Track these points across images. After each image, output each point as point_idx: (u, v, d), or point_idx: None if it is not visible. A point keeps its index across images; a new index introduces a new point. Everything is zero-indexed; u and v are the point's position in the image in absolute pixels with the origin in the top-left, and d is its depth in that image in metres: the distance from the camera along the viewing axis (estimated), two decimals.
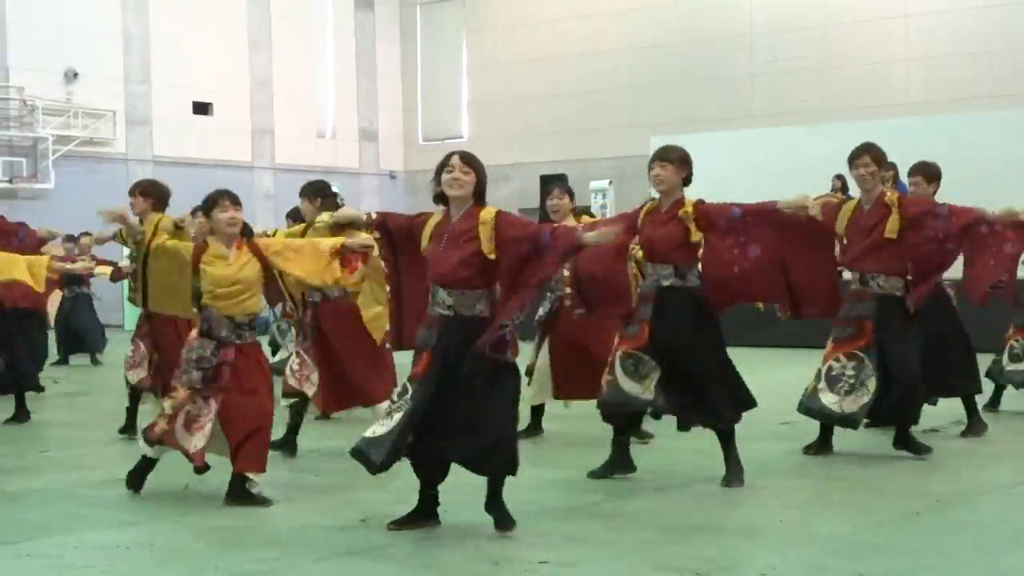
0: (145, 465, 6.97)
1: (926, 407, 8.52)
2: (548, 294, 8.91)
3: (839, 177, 18.79)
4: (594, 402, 7.50)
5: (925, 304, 8.01)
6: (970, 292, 7.94)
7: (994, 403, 10.23)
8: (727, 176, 20.40)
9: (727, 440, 7.10)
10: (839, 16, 24.99)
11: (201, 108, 27.53)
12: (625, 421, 7.30)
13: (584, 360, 8.63)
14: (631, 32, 27.58)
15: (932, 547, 5.67)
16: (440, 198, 5.94)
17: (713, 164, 21.71)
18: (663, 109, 26.30)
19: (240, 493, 6.66)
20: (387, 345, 8.08)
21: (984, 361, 9.63)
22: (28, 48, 24.17)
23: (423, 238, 5.94)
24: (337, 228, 7.65)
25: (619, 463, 7.26)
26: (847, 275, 8.11)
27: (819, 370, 7.84)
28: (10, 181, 23.64)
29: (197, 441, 6.65)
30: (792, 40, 25.41)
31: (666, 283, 7.04)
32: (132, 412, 9.33)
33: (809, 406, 7.88)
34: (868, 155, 8.03)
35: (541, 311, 9.02)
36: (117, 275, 10.93)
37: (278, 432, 7.57)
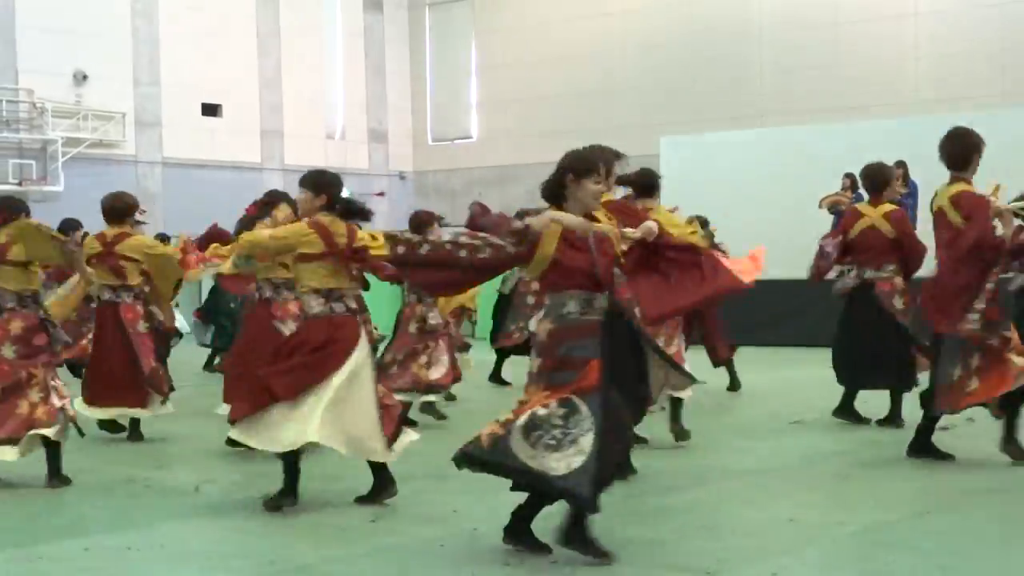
0: None
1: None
2: None
3: (848, 175, 18.77)
4: None
5: (861, 300, 8.96)
6: None
7: None
8: (737, 176, 20.40)
9: None
10: (849, 14, 24.94)
11: (210, 110, 27.55)
12: None
13: None
14: (640, 32, 27.55)
15: (943, 546, 5.65)
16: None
17: (722, 164, 21.75)
18: (672, 109, 26.27)
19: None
20: None
21: None
22: (38, 51, 24.22)
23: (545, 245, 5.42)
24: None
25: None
26: None
27: None
28: (20, 183, 23.67)
29: None
30: (801, 39, 25.36)
31: None
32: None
33: None
34: None
35: None
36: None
37: None
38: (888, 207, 9.58)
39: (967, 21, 23.70)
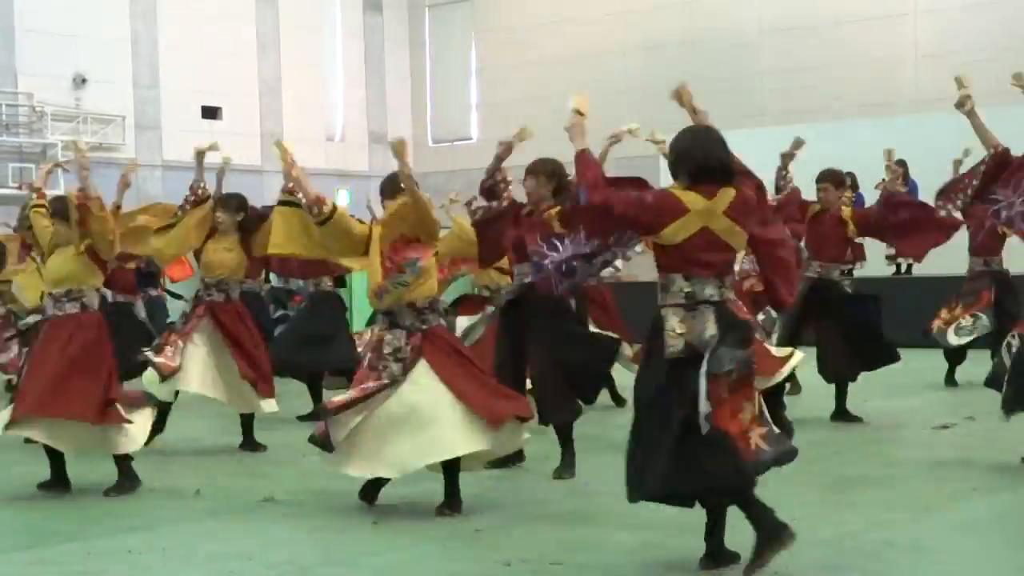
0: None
1: (937, 405, 8.53)
2: None
3: (848, 175, 18.78)
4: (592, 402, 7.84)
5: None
6: None
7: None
8: None
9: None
10: (848, 14, 24.93)
11: (210, 112, 27.54)
12: None
13: None
14: (639, 33, 27.55)
15: (942, 545, 5.65)
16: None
17: None
18: (672, 109, 25.93)
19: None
20: None
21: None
22: (37, 54, 24.20)
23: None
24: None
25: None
26: None
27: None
28: (20, 187, 23.66)
29: None
30: (801, 39, 25.35)
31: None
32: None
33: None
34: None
35: None
36: None
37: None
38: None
39: (966, 20, 23.69)
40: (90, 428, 7.04)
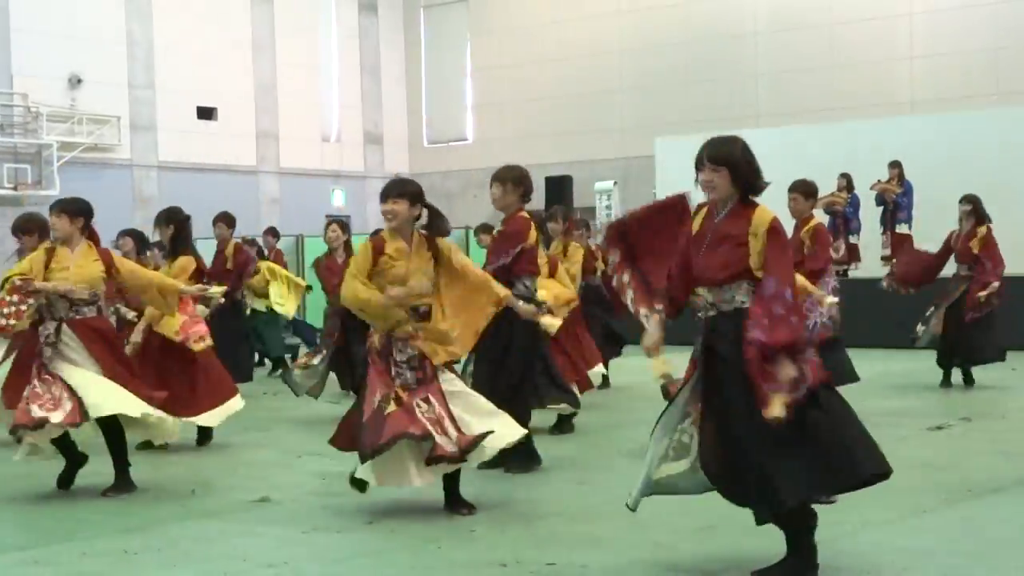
0: None
1: (933, 405, 8.52)
2: None
3: (844, 176, 18.81)
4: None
5: None
6: None
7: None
8: None
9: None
10: (844, 15, 24.96)
11: (205, 113, 27.53)
12: None
13: None
14: (635, 33, 27.56)
15: (941, 545, 5.66)
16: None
17: None
18: (668, 110, 26.29)
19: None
20: None
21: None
22: (32, 54, 24.19)
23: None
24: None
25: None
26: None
27: None
28: (15, 188, 23.65)
29: None
30: (797, 39, 25.38)
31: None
32: None
33: None
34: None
35: None
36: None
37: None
38: None
39: (961, 21, 23.73)
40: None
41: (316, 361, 10.70)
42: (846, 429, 5.05)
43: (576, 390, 9.17)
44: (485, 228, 13.69)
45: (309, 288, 14.07)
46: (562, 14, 28.66)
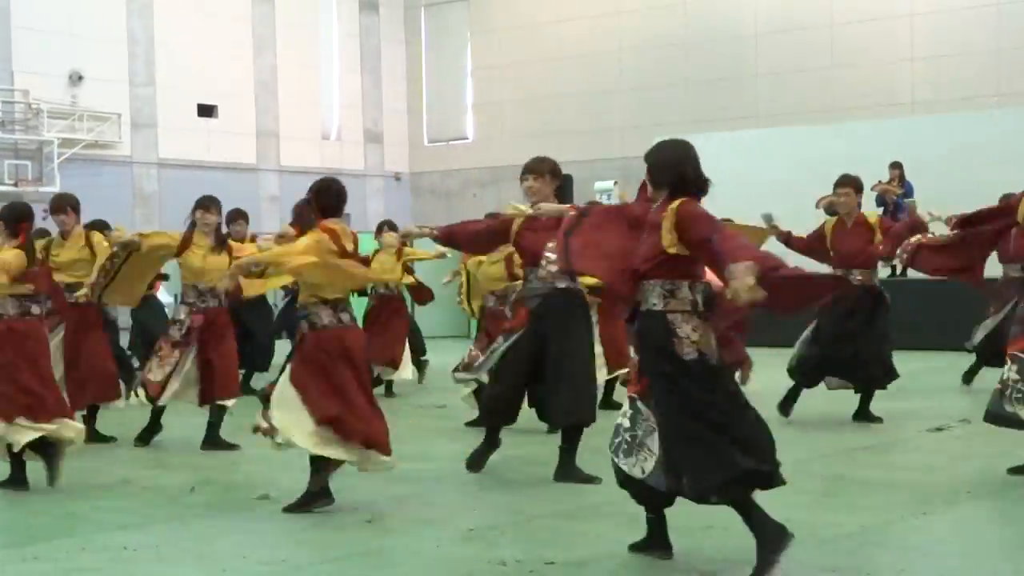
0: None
1: (933, 407, 8.52)
2: None
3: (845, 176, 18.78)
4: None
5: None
6: None
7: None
8: (733, 177, 20.37)
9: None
10: (844, 16, 24.95)
11: (206, 110, 27.52)
12: None
13: None
14: (636, 32, 27.56)
15: (940, 546, 5.65)
16: None
17: (718, 165, 21.71)
18: (668, 110, 26.28)
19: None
20: None
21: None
22: (33, 51, 24.18)
23: None
24: None
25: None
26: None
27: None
28: (15, 184, 23.63)
29: None
30: (797, 40, 25.37)
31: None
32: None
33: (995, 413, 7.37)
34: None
35: None
36: None
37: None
38: None
39: (962, 22, 23.72)
40: None
41: None
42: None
43: None
44: None
45: None
46: (563, 13, 28.65)
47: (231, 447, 8.74)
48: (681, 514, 6.35)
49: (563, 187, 7.64)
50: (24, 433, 7.22)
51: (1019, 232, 8.97)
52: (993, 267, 11.37)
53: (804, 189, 18.54)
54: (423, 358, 13.71)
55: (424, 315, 15.92)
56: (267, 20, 28.57)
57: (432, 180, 31.07)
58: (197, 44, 26.62)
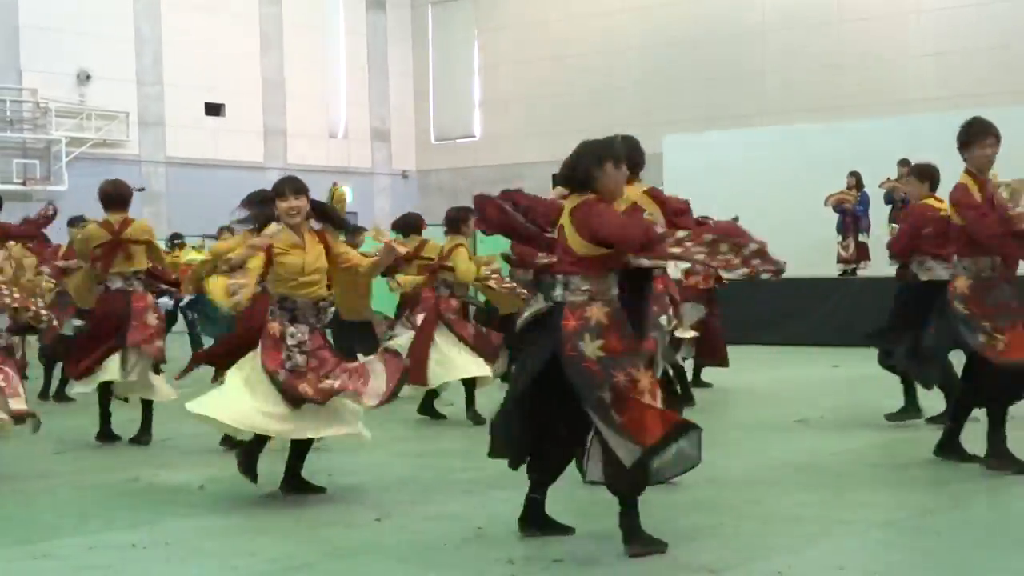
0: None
1: (940, 404, 8.49)
2: None
3: (853, 174, 18.76)
4: None
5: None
6: None
7: None
8: (741, 174, 20.38)
9: None
10: (851, 12, 24.94)
11: (213, 109, 27.56)
12: None
13: None
14: (643, 30, 27.55)
15: (948, 545, 5.64)
16: None
17: (726, 162, 21.73)
18: (676, 107, 26.27)
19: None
20: None
21: None
22: (41, 50, 24.23)
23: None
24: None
25: None
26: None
27: None
28: (23, 183, 23.70)
29: None
30: (805, 36, 25.36)
31: None
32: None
33: None
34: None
35: None
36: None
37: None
38: None
39: (970, 18, 23.69)
40: None
41: None
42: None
43: None
44: None
45: None
46: (569, 10, 28.65)
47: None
48: (688, 510, 6.35)
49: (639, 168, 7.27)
50: None
51: None
52: None
53: (812, 186, 18.54)
54: None
55: None
56: (274, 19, 28.60)
57: (439, 178, 31.07)
58: (204, 43, 26.66)
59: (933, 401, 9.16)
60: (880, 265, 18.24)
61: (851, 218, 18.58)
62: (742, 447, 8.41)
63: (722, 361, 11.84)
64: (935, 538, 5.78)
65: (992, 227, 7.17)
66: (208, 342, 13.48)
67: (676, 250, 5.19)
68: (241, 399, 6.61)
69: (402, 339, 10.37)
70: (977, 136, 7.55)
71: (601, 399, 5.24)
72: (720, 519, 6.20)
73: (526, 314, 5.60)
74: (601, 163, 5.45)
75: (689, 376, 11.16)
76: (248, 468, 6.82)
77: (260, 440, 6.87)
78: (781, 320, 17.09)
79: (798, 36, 25.47)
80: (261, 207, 7.10)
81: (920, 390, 9.01)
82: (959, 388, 7.65)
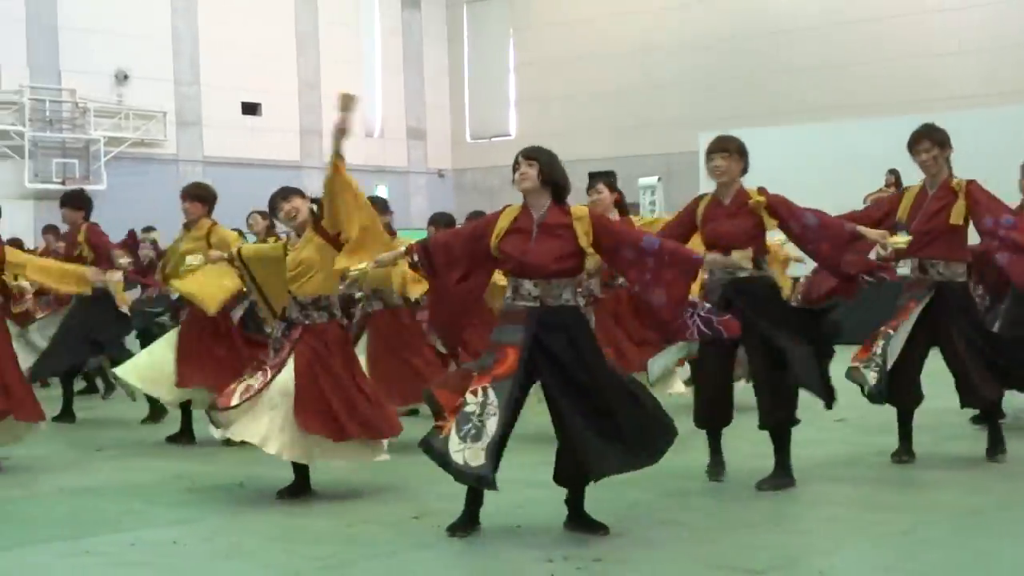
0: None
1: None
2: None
3: (892, 172, 18.62)
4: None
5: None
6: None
7: None
8: (779, 172, 20.24)
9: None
10: (892, 8, 24.76)
11: (250, 108, 27.68)
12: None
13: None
14: (679, 27, 27.46)
15: (991, 546, 5.59)
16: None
17: (763, 160, 21.59)
18: (712, 105, 26.16)
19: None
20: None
21: None
22: (80, 51, 24.40)
23: (494, 235, 5.90)
24: None
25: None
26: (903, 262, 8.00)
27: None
28: (63, 182, 23.87)
29: None
30: (844, 33, 25.19)
31: (743, 274, 6.75)
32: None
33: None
34: (928, 139, 7.66)
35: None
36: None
37: None
38: None
39: (1013, 15, 23.48)
40: None
41: None
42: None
43: None
44: None
45: None
46: (604, 9, 28.60)
47: None
48: (725, 511, 6.33)
49: (746, 167, 7.23)
50: None
51: None
52: None
53: (851, 184, 18.41)
54: None
55: None
56: (310, 18, 28.69)
57: (475, 177, 31.08)
58: (241, 42, 26.78)
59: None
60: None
61: None
62: None
63: None
64: (980, 538, 5.73)
65: None
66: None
67: None
68: None
69: None
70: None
71: None
72: (759, 519, 6.17)
73: None
74: None
75: None
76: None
77: None
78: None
79: (837, 33, 25.30)
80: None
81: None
82: None
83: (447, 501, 6.36)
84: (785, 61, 25.92)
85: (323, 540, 5.90)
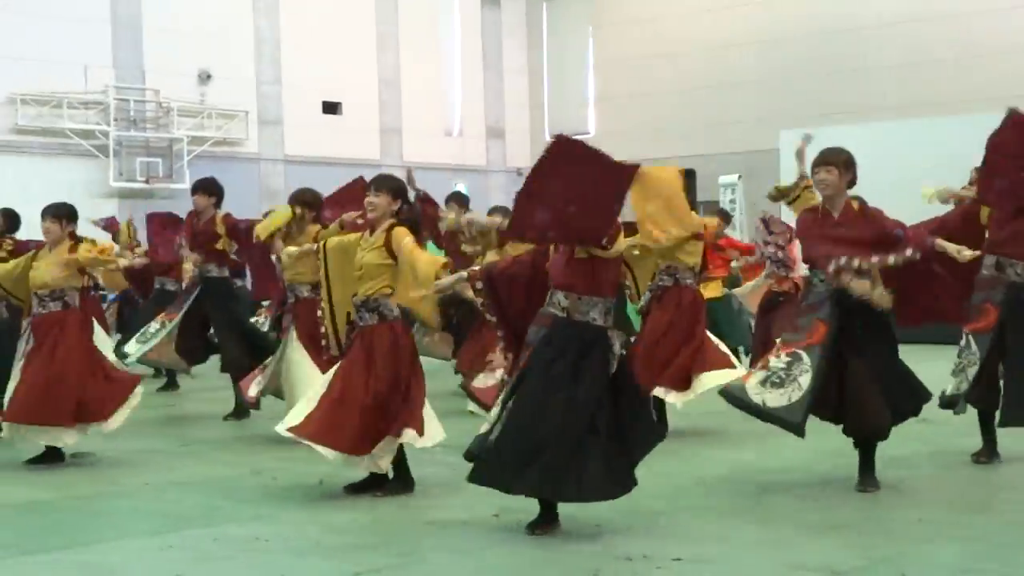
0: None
1: None
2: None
3: (978, 170, 18.33)
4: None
5: None
6: None
7: None
8: (861, 169, 20.02)
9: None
10: (971, 6, 24.35)
11: (330, 107, 27.89)
12: None
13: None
14: (758, 24, 27.23)
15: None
16: None
17: None
18: (792, 102, 25.91)
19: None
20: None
21: None
22: (163, 51, 24.73)
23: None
24: None
25: None
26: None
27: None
28: (147, 181, 24.24)
29: None
30: (922, 31, 24.83)
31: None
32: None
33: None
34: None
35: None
36: None
37: None
38: None
39: None
40: None
41: None
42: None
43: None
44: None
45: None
46: (684, 7, 28.44)
47: None
48: (807, 511, 6.28)
49: (854, 180, 7.30)
50: None
51: None
52: None
53: (938, 181, 18.14)
54: None
55: None
56: (390, 18, 28.84)
57: None
58: (322, 42, 26.99)
59: None
60: None
61: None
62: None
63: None
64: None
65: None
66: None
67: None
68: None
69: None
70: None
71: None
72: (841, 520, 6.12)
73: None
74: None
75: None
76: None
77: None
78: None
79: (916, 30, 24.94)
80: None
81: None
82: None
83: (526, 502, 6.38)
84: (867, 57, 25.60)
85: (403, 537, 5.95)
